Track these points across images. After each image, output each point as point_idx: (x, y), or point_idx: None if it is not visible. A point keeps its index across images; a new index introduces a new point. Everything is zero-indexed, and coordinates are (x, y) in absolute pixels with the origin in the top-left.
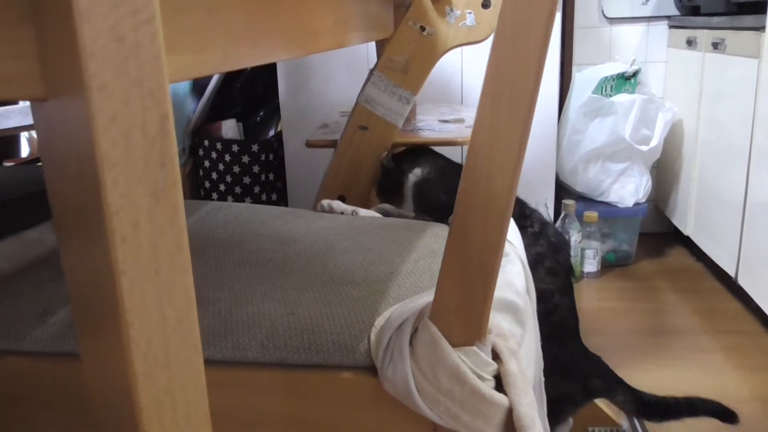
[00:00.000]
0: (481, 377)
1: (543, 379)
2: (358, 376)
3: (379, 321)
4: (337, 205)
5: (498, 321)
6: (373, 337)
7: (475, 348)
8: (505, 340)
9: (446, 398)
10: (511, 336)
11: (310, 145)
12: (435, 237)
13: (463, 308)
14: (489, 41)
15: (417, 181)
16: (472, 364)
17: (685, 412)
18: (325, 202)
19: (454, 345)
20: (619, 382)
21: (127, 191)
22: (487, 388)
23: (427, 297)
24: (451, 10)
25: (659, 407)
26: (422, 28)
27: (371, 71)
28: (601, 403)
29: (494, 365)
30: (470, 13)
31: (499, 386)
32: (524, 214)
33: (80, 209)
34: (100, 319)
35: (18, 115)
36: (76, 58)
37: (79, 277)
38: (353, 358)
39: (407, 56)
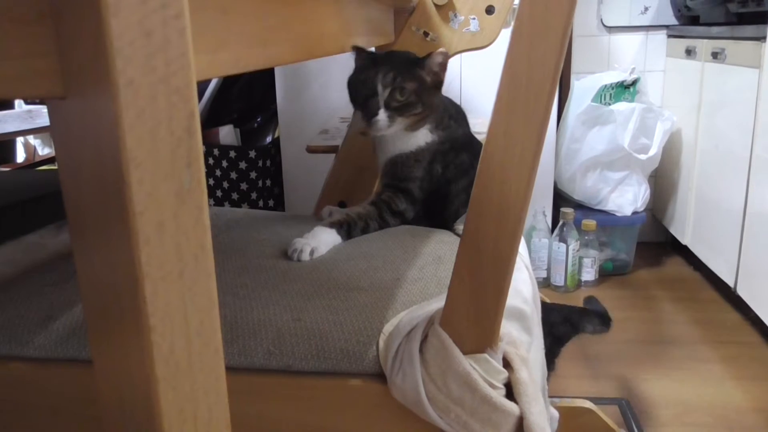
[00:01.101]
0: (492, 385)
1: (547, 387)
2: (366, 383)
3: (388, 327)
4: (338, 213)
5: (508, 329)
6: (381, 344)
7: (486, 355)
8: (516, 347)
9: (457, 406)
10: (521, 344)
11: (310, 150)
12: (440, 243)
13: (475, 315)
14: (491, 47)
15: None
16: (483, 372)
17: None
18: (326, 211)
19: (464, 352)
20: (583, 314)
21: (152, 191)
22: (499, 396)
23: (436, 303)
24: (455, 15)
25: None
26: (425, 34)
27: None
28: (599, 412)
29: (505, 373)
30: (474, 18)
31: (509, 394)
32: None
33: (100, 210)
34: (118, 323)
35: (15, 120)
36: (102, 54)
37: (95, 280)
38: (361, 365)
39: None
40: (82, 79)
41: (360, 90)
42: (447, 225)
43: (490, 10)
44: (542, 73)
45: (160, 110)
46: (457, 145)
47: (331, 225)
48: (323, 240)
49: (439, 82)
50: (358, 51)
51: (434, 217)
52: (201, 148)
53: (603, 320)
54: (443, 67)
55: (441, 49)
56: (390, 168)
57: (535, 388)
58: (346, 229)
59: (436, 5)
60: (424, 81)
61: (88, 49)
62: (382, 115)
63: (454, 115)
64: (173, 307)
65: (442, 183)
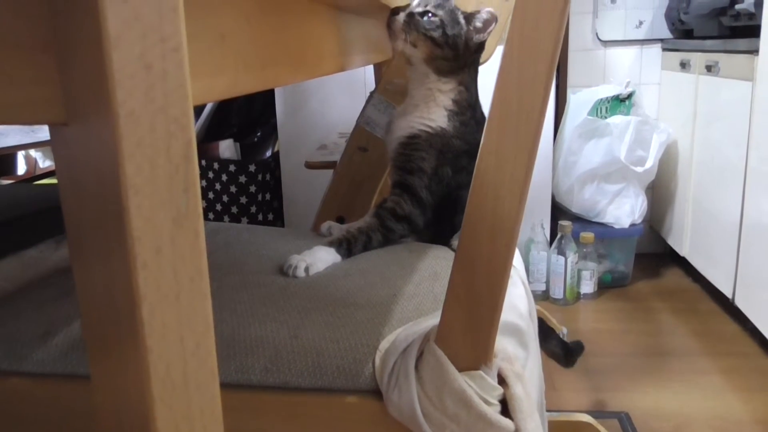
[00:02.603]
0: (487, 402)
1: (545, 402)
2: (362, 400)
3: (384, 344)
4: (337, 228)
5: (503, 344)
6: (377, 361)
7: (481, 372)
8: (511, 363)
9: (452, 423)
10: (516, 359)
11: (309, 166)
12: (436, 259)
13: (470, 332)
14: (487, 65)
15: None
16: (478, 389)
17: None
18: (325, 226)
19: (460, 369)
20: (551, 331)
21: (150, 216)
22: (494, 412)
23: (432, 320)
24: None
25: (568, 351)
26: None
27: (371, 93)
28: (599, 426)
29: (500, 389)
30: None
31: (505, 410)
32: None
33: (100, 234)
34: (116, 344)
35: (17, 133)
36: (103, 85)
37: (94, 301)
38: (358, 382)
39: (407, 79)
40: (84, 108)
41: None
42: (456, 232)
43: None
44: (533, 94)
45: (159, 139)
46: (473, 150)
47: (330, 243)
48: (320, 257)
49: (479, 43)
50: None
51: (443, 222)
52: (198, 174)
53: (567, 355)
54: (486, 24)
55: (489, 8)
56: (401, 150)
57: (530, 404)
58: (346, 247)
59: None
60: (458, 21)
61: (91, 80)
62: (401, 16)
63: (480, 119)
64: (170, 329)
65: (452, 187)
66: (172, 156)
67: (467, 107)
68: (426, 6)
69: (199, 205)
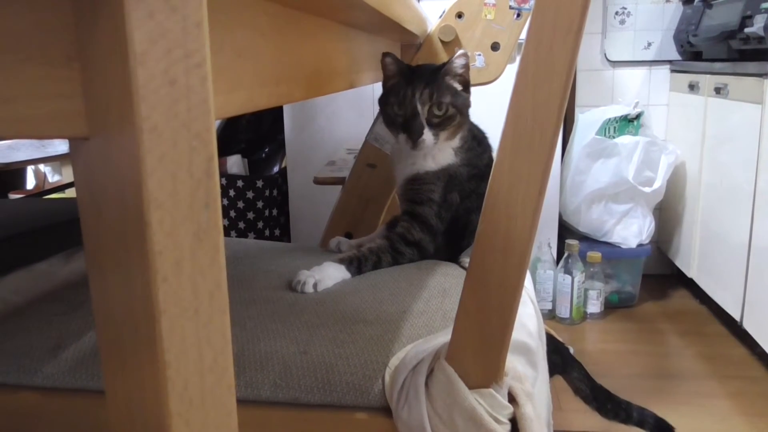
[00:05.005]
0: (497, 420)
1: (552, 422)
2: (372, 417)
3: (393, 361)
4: (346, 244)
5: (513, 363)
6: (387, 378)
7: (491, 390)
8: (521, 382)
9: None
10: (526, 378)
11: (318, 182)
12: (445, 276)
13: (480, 350)
14: (497, 83)
15: None
16: (488, 407)
17: (633, 420)
18: (334, 242)
19: (470, 387)
20: (574, 360)
21: (171, 231)
22: (504, 431)
23: (442, 337)
24: None
25: (609, 400)
26: None
27: None
28: None
29: (510, 408)
30: (480, 54)
31: (514, 429)
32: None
33: (119, 247)
34: (133, 358)
35: (27, 148)
36: (127, 100)
37: (111, 315)
38: (367, 399)
39: None
40: (107, 122)
41: (398, 111)
42: (464, 250)
43: (495, 47)
44: (546, 113)
45: (181, 154)
46: (481, 172)
47: (341, 260)
48: (329, 274)
49: (466, 84)
50: (389, 59)
51: (453, 245)
52: (219, 189)
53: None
54: (467, 67)
55: (460, 51)
56: (409, 186)
57: (540, 424)
58: (357, 266)
59: (442, 42)
60: (454, 89)
61: (114, 95)
62: (427, 134)
63: (479, 137)
64: (188, 343)
65: (461, 212)
66: (194, 171)
67: (468, 133)
68: (431, 98)
69: (220, 220)
